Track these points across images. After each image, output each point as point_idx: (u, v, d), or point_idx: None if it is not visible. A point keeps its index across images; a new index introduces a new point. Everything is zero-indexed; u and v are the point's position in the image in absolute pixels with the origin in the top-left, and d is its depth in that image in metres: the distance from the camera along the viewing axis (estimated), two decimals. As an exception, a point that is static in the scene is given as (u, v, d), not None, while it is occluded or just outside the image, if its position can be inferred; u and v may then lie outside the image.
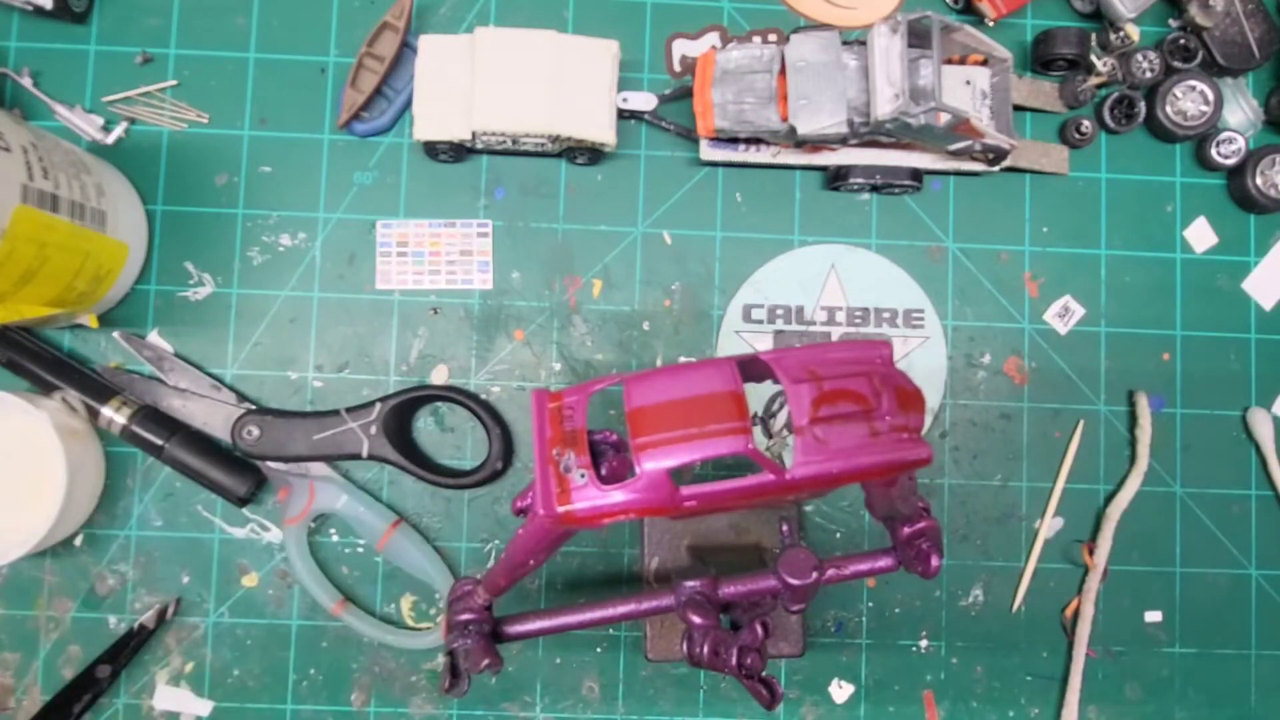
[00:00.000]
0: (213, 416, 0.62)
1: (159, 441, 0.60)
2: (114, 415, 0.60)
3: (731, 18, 0.67)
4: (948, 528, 0.66)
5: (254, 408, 0.63)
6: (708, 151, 0.64)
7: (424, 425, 0.65)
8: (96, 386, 0.61)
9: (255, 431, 0.62)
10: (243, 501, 0.62)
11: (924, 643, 0.66)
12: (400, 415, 0.63)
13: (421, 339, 0.65)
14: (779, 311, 0.66)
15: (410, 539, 0.63)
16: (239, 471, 0.61)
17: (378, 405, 0.62)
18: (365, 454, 0.62)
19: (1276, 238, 0.68)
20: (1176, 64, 0.66)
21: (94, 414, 0.60)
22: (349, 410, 0.62)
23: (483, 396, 0.64)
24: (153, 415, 0.61)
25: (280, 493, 0.63)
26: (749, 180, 0.66)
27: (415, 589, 0.64)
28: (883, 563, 0.53)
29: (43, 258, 0.52)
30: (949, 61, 0.62)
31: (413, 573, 0.63)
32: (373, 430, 0.62)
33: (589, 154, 0.64)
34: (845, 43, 0.60)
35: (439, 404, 0.65)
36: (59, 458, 0.57)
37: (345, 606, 0.62)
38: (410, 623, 0.64)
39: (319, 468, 0.63)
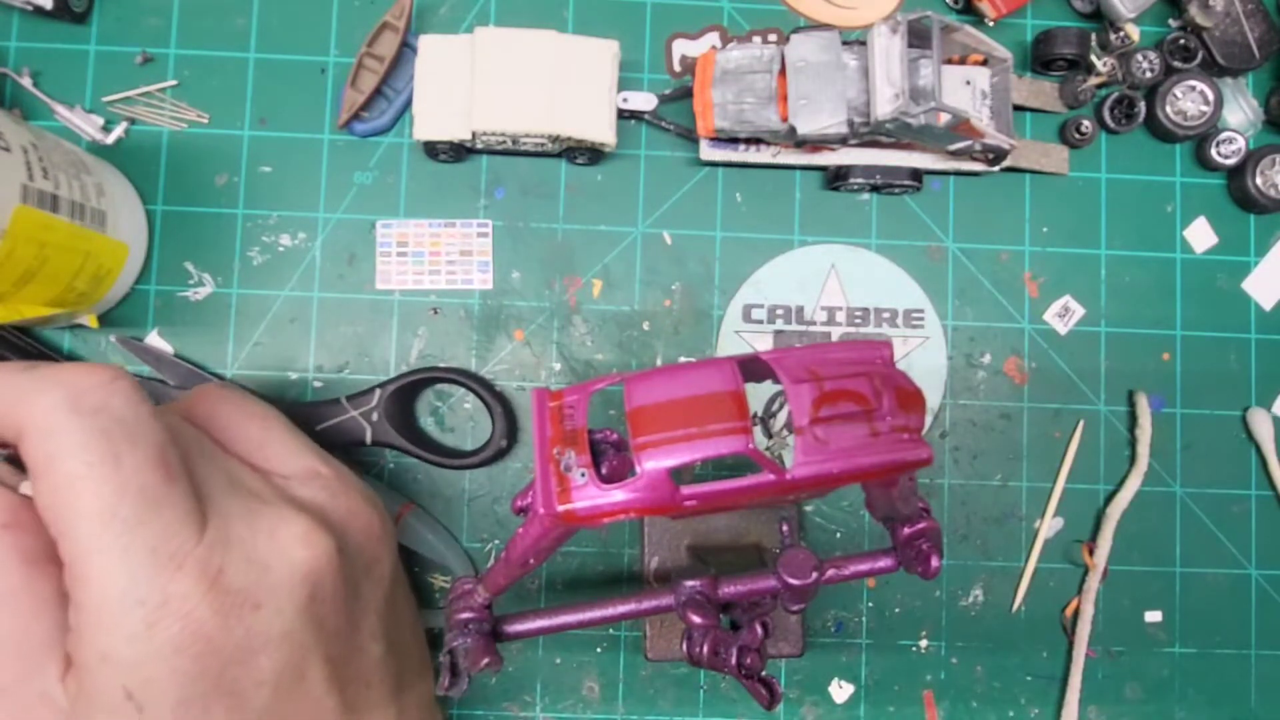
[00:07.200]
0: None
1: None
2: None
3: (731, 18, 0.67)
4: (948, 528, 0.66)
5: (256, 403, 0.62)
6: (708, 151, 0.64)
7: (425, 416, 0.65)
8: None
9: (259, 425, 0.61)
10: None
11: (924, 643, 0.66)
12: (401, 400, 0.63)
13: (421, 339, 0.65)
14: (779, 311, 0.66)
15: (423, 522, 0.63)
16: None
17: (377, 391, 0.62)
18: (369, 440, 0.62)
19: (1276, 238, 0.68)
20: (1176, 64, 0.66)
21: None
22: (349, 398, 0.62)
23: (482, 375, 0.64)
24: None
25: None
26: (749, 180, 0.66)
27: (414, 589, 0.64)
28: (883, 563, 0.53)
29: (43, 258, 0.52)
30: (949, 61, 0.62)
31: (428, 555, 0.63)
32: (374, 417, 0.61)
33: (589, 154, 0.64)
34: (845, 43, 0.60)
35: (439, 394, 0.65)
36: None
37: None
38: (410, 623, 0.64)
39: None
